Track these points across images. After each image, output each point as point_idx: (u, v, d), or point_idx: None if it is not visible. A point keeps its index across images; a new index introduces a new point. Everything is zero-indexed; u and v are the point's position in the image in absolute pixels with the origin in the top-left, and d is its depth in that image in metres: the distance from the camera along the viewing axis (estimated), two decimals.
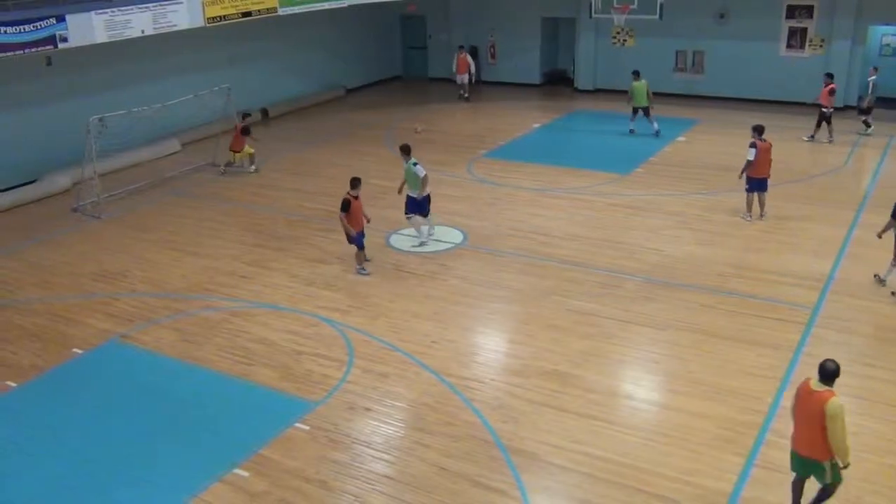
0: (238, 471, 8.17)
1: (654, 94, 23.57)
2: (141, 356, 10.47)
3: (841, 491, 7.56)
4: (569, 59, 27.34)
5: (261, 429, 8.84)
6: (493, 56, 27.72)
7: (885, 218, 11.77)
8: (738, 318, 10.95)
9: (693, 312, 11.19)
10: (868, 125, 20.27)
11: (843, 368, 9.63)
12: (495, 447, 8.43)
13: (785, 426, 8.57)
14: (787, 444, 8.26)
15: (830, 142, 19.42)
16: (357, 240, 12.60)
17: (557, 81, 27.54)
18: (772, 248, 13.28)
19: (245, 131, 18.22)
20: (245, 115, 19.26)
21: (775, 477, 7.82)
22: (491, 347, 10.76)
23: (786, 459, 7.96)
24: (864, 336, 10.53)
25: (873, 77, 20.25)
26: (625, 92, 25.36)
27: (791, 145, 19.13)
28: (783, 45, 23.34)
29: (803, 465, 7.06)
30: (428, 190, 13.44)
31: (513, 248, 13.60)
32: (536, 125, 22.03)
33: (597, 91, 25.80)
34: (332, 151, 20.14)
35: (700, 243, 13.57)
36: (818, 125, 19.58)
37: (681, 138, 20.47)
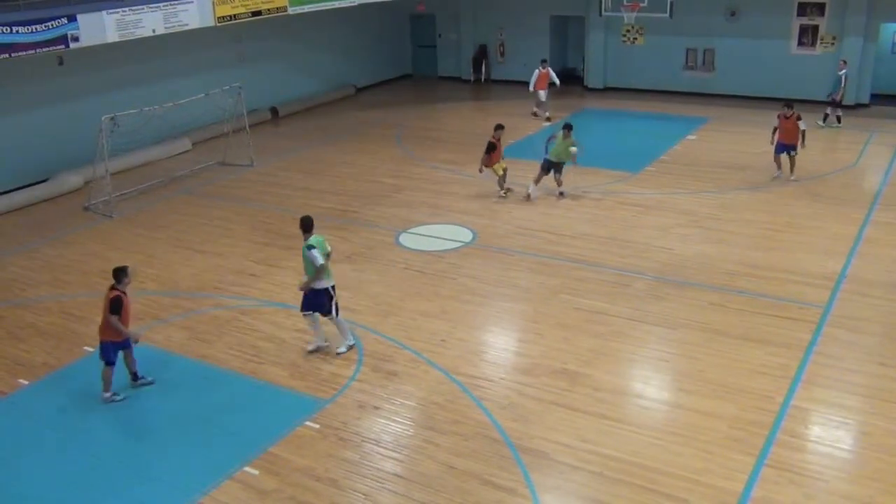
0: (248, 469, 8.20)
1: (664, 92, 23.63)
2: (151, 354, 10.50)
3: (852, 491, 7.55)
4: (579, 58, 27.28)
5: (271, 427, 8.86)
6: (502, 54, 27.69)
7: None
8: (749, 317, 10.91)
9: (703, 311, 11.15)
10: (839, 119, 20.46)
11: (856, 367, 9.68)
12: (505, 446, 8.43)
13: (796, 426, 8.58)
14: (797, 444, 8.27)
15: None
16: (110, 353, 9.32)
17: (568, 80, 27.46)
18: (782, 247, 13.21)
19: None
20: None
21: (786, 476, 7.79)
22: (500, 346, 10.75)
23: (797, 459, 7.96)
24: (876, 335, 10.46)
25: (843, 71, 20.29)
26: (637, 91, 25.39)
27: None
28: (794, 42, 23.22)
29: None
30: (327, 283, 10.04)
31: (522, 247, 13.58)
32: (546, 124, 21.97)
33: (607, 89, 25.73)
34: (342, 150, 20.16)
35: (710, 242, 13.52)
36: None
37: (691, 136, 20.39)
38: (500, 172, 16.04)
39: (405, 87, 28.14)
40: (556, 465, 8.12)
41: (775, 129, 16.50)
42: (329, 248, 10.21)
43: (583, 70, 26.72)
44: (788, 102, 16.50)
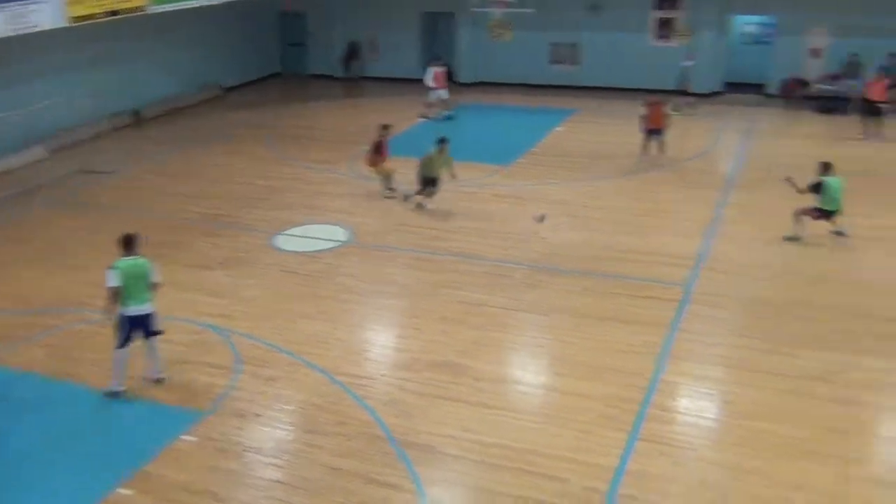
0: (121, 490, 7.82)
1: (533, 86, 24.21)
2: (10, 377, 9.87)
3: (719, 458, 7.98)
4: (450, 53, 27.53)
5: (144, 444, 8.48)
6: (374, 51, 27.61)
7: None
8: (617, 300, 11.32)
9: (574, 297, 11.50)
10: (690, 106, 21.75)
11: (717, 341, 10.23)
12: (388, 443, 8.41)
13: (665, 400, 8.99)
14: (667, 417, 8.67)
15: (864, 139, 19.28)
16: None
17: None
18: (647, 231, 13.80)
19: None
20: None
21: (657, 448, 8.14)
22: (381, 343, 10.74)
23: (666, 431, 8.33)
24: (735, 310, 11.09)
25: (688, 62, 21.61)
26: (507, 85, 25.88)
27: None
28: (653, 35, 24.29)
29: None
30: (129, 310, 9.09)
31: (400, 244, 13.60)
32: (421, 120, 22.08)
33: (479, 84, 26.10)
34: (212, 152, 19.58)
35: (580, 229, 13.95)
36: (868, 121, 19.23)
37: (559, 128, 20.98)
38: (385, 173, 15.91)
39: (275, 87, 27.63)
40: (440, 457, 8.18)
41: (643, 117, 17.43)
42: (152, 276, 9.27)
43: (454, 65, 26.99)
44: (653, 94, 17.72)
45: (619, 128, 19.73)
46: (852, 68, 22.30)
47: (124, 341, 9.21)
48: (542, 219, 13.22)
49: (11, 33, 16.39)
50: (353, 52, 27.59)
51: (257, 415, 9.01)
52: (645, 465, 7.91)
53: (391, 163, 15.95)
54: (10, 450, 8.61)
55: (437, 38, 28.11)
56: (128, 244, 9.31)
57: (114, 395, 9.28)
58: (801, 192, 12.85)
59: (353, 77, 27.70)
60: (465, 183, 16.54)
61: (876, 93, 18.89)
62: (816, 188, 12.71)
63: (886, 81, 18.70)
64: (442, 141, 14.96)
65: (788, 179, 13.11)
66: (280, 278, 12.43)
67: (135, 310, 9.12)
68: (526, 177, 16.95)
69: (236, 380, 9.64)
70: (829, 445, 8.13)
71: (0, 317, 11.41)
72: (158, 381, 9.52)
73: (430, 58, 22.91)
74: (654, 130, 17.52)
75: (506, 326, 10.80)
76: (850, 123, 20.88)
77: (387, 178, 15.97)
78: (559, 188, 16.18)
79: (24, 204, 16.31)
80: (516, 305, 11.31)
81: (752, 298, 11.32)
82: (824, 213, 12.84)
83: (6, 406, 9.32)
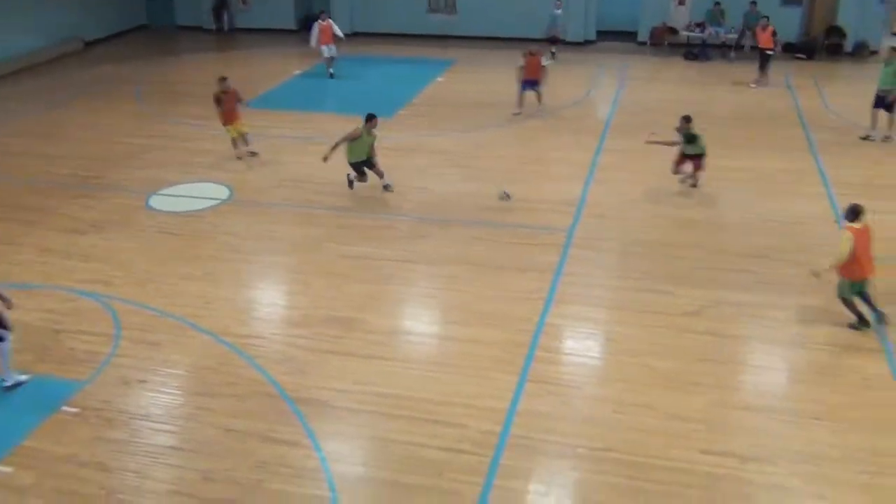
0: (0, 467, 7.48)
1: (411, 35, 23.96)
2: None
3: (603, 393, 8.38)
4: (324, 3, 26.87)
5: (20, 419, 8.09)
6: (244, 2, 26.62)
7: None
8: (505, 247, 11.56)
9: (464, 246, 11.66)
10: (553, 54, 22.26)
11: (598, 283, 10.65)
12: (282, 400, 8.37)
13: (550, 342, 9.31)
14: (553, 358, 8.99)
15: (759, 85, 20.02)
16: None
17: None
18: (530, 178, 14.09)
19: None
20: None
21: (545, 388, 8.46)
22: (269, 301, 10.59)
23: (552, 372, 8.67)
24: (614, 252, 11.54)
25: (557, 10, 22.08)
26: (384, 35, 25.55)
27: None
28: None
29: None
30: None
31: (282, 200, 13.36)
32: (297, 72, 21.57)
33: (355, 34, 25.65)
34: (77, 110, 18.52)
35: (465, 179, 14.09)
36: (762, 69, 19.99)
37: (440, 78, 20.96)
38: (234, 134, 14.84)
39: (141, 40, 26.26)
40: (335, 411, 8.21)
41: (521, 68, 17.32)
42: None
43: (329, 15, 26.38)
44: (533, 48, 17.52)
45: (499, 77, 19.88)
46: (715, 16, 23.28)
47: None
48: (506, 196, 12.98)
49: None
50: (222, 3, 26.52)
51: (142, 381, 8.75)
52: (534, 405, 8.20)
53: (241, 119, 14.91)
54: None
55: None
56: None
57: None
58: (674, 144, 13.33)
59: (224, 29, 26.68)
60: None
61: (763, 40, 19.68)
62: (692, 139, 13.14)
63: (772, 29, 19.51)
64: (371, 118, 13.15)
65: (652, 137, 13.62)
66: (159, 240, 11.99)
67: None
68: (408, 128, 16.91)
69: (118, 347, 9.30)
70: (703, 376, 8.66)
71: None
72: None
73: (319, 12, 21.95)
74: (530, 81, 17.48)
75: (396, 279, 10.85)
76: (713, 68, 21.89)
77: (236, 139, 14.92)
78: (443, 139, 16.24)
79: None
80: (405, 257, 11.37)
81: (628, 241, 11.80)
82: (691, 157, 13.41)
83: None
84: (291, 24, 26.51)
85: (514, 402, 8.25)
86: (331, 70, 21.06)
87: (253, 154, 15.11)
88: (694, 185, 13.42)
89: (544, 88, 17.74)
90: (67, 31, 24.02)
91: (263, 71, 21.93)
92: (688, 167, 13.43)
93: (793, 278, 10.51)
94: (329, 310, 10.05)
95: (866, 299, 9.45)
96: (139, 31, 27.07)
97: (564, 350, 9.32)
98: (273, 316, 10.16)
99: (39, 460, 7.56)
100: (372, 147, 13.30)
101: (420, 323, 10.03)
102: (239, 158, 14.98)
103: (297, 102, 18.97)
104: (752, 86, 19.93)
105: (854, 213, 9.31)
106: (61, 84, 20.82)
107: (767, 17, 19.99)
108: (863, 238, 9.21)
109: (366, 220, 12.53)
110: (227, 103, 14.64)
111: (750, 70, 20.92)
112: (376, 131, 13.33)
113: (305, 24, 26.84)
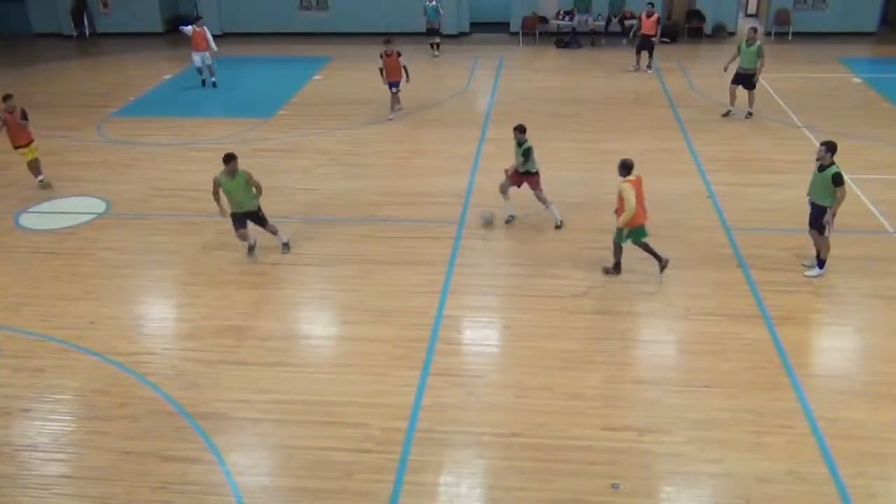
0: None
1: (283, 34, 23.59)
2: None
3: (504, 380, 8.54)
4: (191, 3, 26.04)
5: None
6: (105, 5, 25.46)
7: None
8: (396, 243, 11.57)
9: (354, 244, 11.60)
10: (434, 46, 22.53)
11: (490, 272, 10.82)
12: (180, 417, 8.11)
13: (449, 333, 9.40)
14: (454, 349, 9.10)
15: (649, 70, 20.41)
16: None
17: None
18: (416, 173, 14.15)
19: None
20: None
21: (448, 380, 8.54)
22: (157, 316, 10.21)
23: (455, 362, 8.78)
24: (503, 240, 11.75)
25: (432, 3, 22.23)
26: (255, 34, 25.02)
27: (417, 73, 20.30)
28: None
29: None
30: None
31: (163, 210, 12.89)
32: (167, 76, 20.83)
33: (225, 35, 24.99)
34: None
35: (350, 177, 14.00)
36: (640, 53, 20.35)
37: (317, 76, 20.73)
38: (30, 157, 13.47)
39: None
40: (237, 423, 8.02)
41: (381, 70, 16.59)
42: None
43: (197, 16, 25.60)
44: (387, 38, 16.76)
45: (376, 73, 19.80)
46: (583, 3, 23.99)
47: None
48: (489, 220, 11.93)
49: None
50: (81, 6, 25.29)
51: (26, 410, 8.30)
52: (439, 398, 8.28)
53: (32, 140, 13.55)
54: None
55: None
56: None
57: None
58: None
59: (85, 34, 25.45)
60: (226, 139, 15.96)
61: (647, 27, 20.23)
62: (527, 154, 11.61)
63: (656, 16, 20.10)
64: (228, 159, 10.56)
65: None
66: (32, 261, 11.35)
67: None
68: (289, 128, 16.65)
69: None
70: (597, 354, 8.96)
71: None
72: None
73: (195, 17, 20.45)
74: (391, 83, 16.71)
75: (286, 282, 10.68)
76: (584, 55, 22.59)
77: (30, 164, 13.49)
78: (324, 137, 16.07)
79: None
80: (294, 260, 11.20)
81: (516, 228, 12.03)
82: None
83: None
84: (158, 27, 25.56)
85: (418, 396, 8.29)
86: (213, 79, 19.67)
87: (44, 185, 13.64)
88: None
89: (411, 85, 17.21)
90: None
91: (131, 77, 21.09)
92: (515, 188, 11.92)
93: (673, 253, 10.99)
94: (221, 319, 9.80)
95: (648, 247, 10.35)
96: None
97: (463, 341, 9.43)
98: (162, 331, 9.81)
99: None
100: (244, 192, 10.69)
101: (316, 325, 9.93)
102: (43, 185, 13.63)
103: (169, 108, 18.33)
104: (648, 71, 20.37)
105: (626, 167, 10.09)
106: None
107: (652, 4, 20.61)
108: (639, 189, 10.06)
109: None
110: (12, 125, 13.20)
111: (619, 55, 21.73)
112: (245, 168, 10.82)
113: (174, 26, 26.03)
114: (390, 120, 16.89)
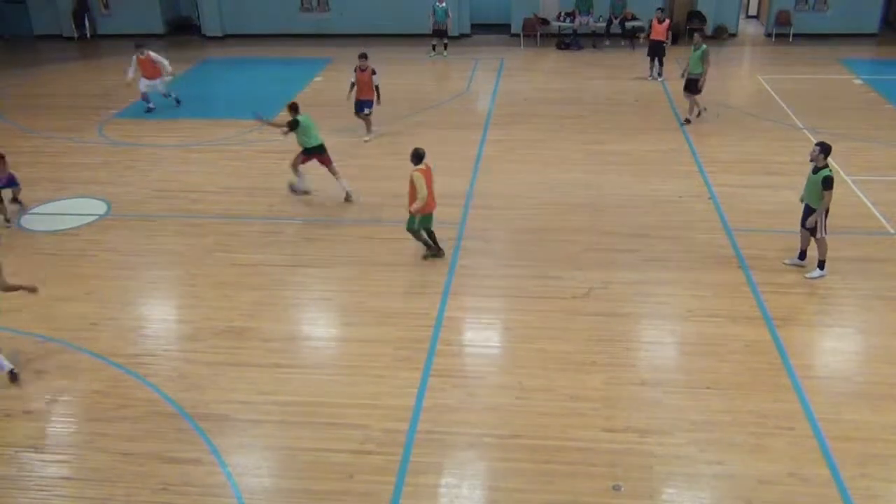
0: None
1: (284, 35, 23.51)
2: None
3: (504, 381, 8.53)
4: (192, 5, 26.08)
5: None
6: (106, 6, 25.49)
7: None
8: (396, 244, 11.56)
9: (356, 246, 11.59)
10: (434, 48, 22.48)
11: (491, 273, 10.80)
12: (181, 419, 8.11)
13: (450, 335, 9.40)
14: (455, 351, 9.09)
15: (659, 78, 19.93)
16: None
17: (184, 29, 26.23)
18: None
19: None
20: None
21: (449, 382, 8.54)
22: (158, 317, 10.21)
23: (456, 364, 8.76)
24: (502, 241, 11.75)
25: (442, 4, 22.15)
26: (257, 36, 25.01)
27: (418, 75, 20.37)
28: None
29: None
30: None
31: (164, 211, 12.90)
32: (168, 78, 20.78)
33: (227, 37, 25.03)
34: None
35: (350, 178, 13.96)
36: (656, 61, 19.80)
37: (318, 78, 20.73)
38: None
39: None
40: (238, 424, 8.02)
41: (353, 85, 15.57)
42: None
43: (198, 17, 25.65)
44: (363, 53, 15.65)
45: (382, 75, 19.84)
46: (585, 5, 23.98)
47: None
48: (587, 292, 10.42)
49: None
50: (83, 8, 25.31)
51: (27, 412, 8.30)
52: (440, 400, 8.27)
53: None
54: None
55: None
56: None
57: None
58: (277, 127, 12.91)
59: (86, 35, 25.46)
60: (225, 141, 15.98)
61: (658, 33, 19.79)
62: (293, 125, 12.50)
63: (668, 23, 19.85)
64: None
65: (259, 119, 13.13)
66: (34, 262, 11.36)
67: None
68: None
69: None
70: (598, 355, 8.96)
71: None
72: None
73: (135, 45, 17.84)
74: (361, 102, 15.62)
75: (287, 283, 10.68)
76: (585, 57, 22.58)
77: None
78: (326, 138, 16.01)
79: None
80: (295, 261, 11.21)
81: (517, 229, 12.03)
82: (310, 152, 12.79)
83: None
84: (159, 29, 25.58)
85: (419, 398, 8.29)
86: (174, 96, 18.40)
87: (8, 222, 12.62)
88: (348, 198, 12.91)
89: (378, 107, 15.85)
90: None
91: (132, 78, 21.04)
92: (308, 166, 12.80)
93: (674, 254, 11.00)
94: (222, 321, 9.80)
95: (431, 234, 10.92)
96: None
97: (464, 342, 9.43)
98: (164, 332, 9.81)
99: None
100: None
101: (317, 327, 9.92)
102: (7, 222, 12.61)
103: (170, 110, 18.32)
104: (658, 78, 19.92)
105: (418, 156, 10.60)
106: None
107: (663, 10, 20.42)
108: (429, 177, 10.54)
109: (252, 226, 12.28)
110: None
111: (620, 57, 21.73)
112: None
113: (176, 28, 26.07)
114: (367, 142, 15.86)
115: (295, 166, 12.91)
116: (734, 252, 11.11)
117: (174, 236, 12.07)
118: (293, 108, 12.71)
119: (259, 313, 9.96)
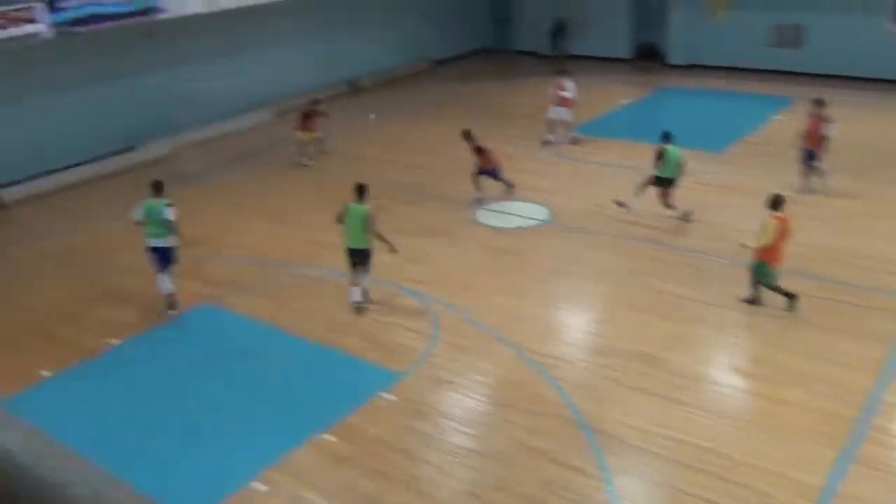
0: (326, 435, 8.38)
1: (748, 70, 22.74)
2: (233, 320, 10.80)
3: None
4: (658, 33, 26.60)
5: (348, 396, 9.04)
6: (584, 29, 27.20)
7: None
8: (835, 305, 10.51)
9: (781, 300, 10.80)
10: None
11: None
12: (578, 427, 8.41)
13: (886, 422, 8.27)
14: (890, 441, 7.99)
15: None
16: None
17: (649, 56, 26.89)
18: (866, 231, 12.68)
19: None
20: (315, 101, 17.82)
21: (872, 473, 7.56)
22: (573, 325, 10.72)
23: (886, 456, 7.74)
24: None
25: None
26: (721, 68, 24.51)
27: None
28: (891, 18, 22.17)
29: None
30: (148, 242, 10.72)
31: (599, 226, 13.41)
32: (624, 101, 21.55)
33: (692, 67, 25.05)
34: (421, 123, 20.23)
35: (829, 234, 12.94)
36: None
37: (778, 116, 19.73)
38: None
39: (481, 62, 27.95)
40: (628, 448, 8.06)
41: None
42: (165, 215, 10.54)
43: (664, 45, 26.08)
44: (819, 99, 14.42)
45: (841, 118, 18.20)
46: None
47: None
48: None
49: (249, 2, 17.71)
50: (559, 29, 27.35)
51: (451, 382, 9.30)
52: (857, 490, 7.35)
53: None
54: (230, 388, 9.44)
55: (647, 16, 27.23)
56: (155, 188, 10.82)
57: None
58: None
59: (559, 55, 27.46)
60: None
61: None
62: (660, 154, 13.15)
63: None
64: (360, 189, 10.71)
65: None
66: (478, 252, 12.66)
67: (151, 241, 10.60)
68: (737, 166, 16.12)
69: (434, 346, 9.98)
70: None
71: (230, 264, 12.48)
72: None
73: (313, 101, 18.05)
74: (808, 151, 14.13)
75: (706, 322, 10.39)
76: None
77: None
78: (771, 179, 15.18)
79: (248, 163, 17.65)
80: (717, 301, 10.83)
81: None
82: (659, 181, 13.15)
83: (224, 348, 10.21)
84: (626, 53, 26.59)
85: (832, 480, 7.48)
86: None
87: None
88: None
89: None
90: (419, 50, 26.35)
91: (592, 98, 22.16)
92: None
93: None
94: (633, 343, 9.90)
95: (777, 288, 10.25)
96: (479, 54, 28.83)
97: None
98: (576, 340, 10.26)
99: (357, 437, 8.36)
100: (365, 226, 10.25)
101: (727, 373, 9.49)
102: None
103: (620, 131, 18.96)
104: None
105: (777, 202, 10.17)
106: (411, 98, 22.85)
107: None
108: (784, 228, 10.06)
109: (680, 257, 12.17)
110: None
111: None
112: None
113: (642, 54, 26.84)
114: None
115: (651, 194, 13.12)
116: None
117: (603, 252, 12.49)
118: (666, 136, 13.29)
119: (671, 345, 9.86)
